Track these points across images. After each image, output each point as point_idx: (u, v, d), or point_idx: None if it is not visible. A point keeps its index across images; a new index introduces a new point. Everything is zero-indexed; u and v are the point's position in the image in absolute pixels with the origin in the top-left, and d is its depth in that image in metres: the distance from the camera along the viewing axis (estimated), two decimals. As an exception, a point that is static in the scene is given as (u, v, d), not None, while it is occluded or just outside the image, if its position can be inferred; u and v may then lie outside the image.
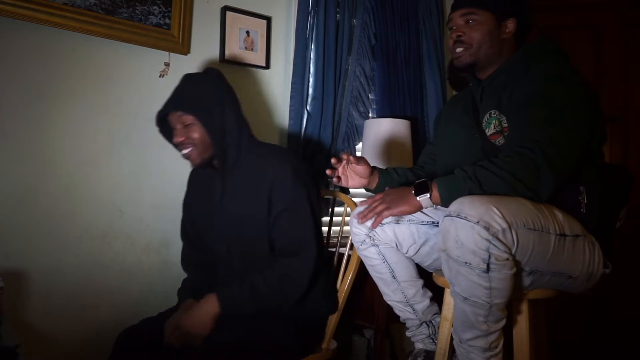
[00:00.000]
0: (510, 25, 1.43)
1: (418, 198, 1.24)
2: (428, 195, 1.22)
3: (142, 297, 1.89)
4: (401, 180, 1.55)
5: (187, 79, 1.55)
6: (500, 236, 1.09)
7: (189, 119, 1.46)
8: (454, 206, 1.13)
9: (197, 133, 1.47)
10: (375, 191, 1.53)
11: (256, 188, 1.48)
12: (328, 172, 1.45)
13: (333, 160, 1.45)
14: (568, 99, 1.23)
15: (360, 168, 1.49)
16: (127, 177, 1.87)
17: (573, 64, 1.34)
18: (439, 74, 2.57)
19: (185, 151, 1.49)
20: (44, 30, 1.69)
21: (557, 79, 1.26)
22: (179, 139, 1.48)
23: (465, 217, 1.09)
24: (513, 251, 1.12)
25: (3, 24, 1.63)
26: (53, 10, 1.66)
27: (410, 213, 1.28)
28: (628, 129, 2.61)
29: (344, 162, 1.48)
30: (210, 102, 1.48)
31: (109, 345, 1.53)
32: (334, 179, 1.46)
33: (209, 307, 1.39)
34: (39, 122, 1.70)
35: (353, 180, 1.50)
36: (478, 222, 1.08)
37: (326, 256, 1.65)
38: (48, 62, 1.72)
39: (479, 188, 1.16)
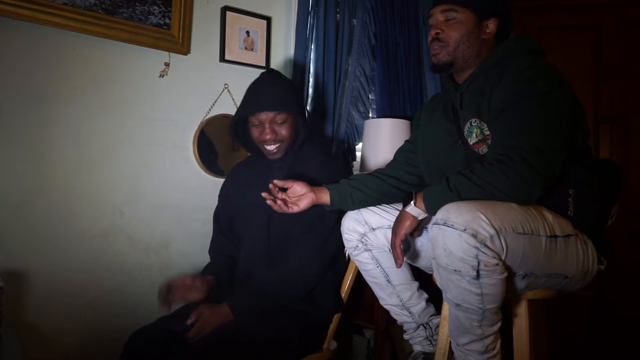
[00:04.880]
0: (491, 25, 1.40)
1: (406, 209, 1.25)
2: (412, 204, 1.23)
3: (142, 297, 1.89)
4: (360, 196, 1.51)
5: (270, 80, 1.65)
6: (489, 243, 1.08)
7: (282, 117, 1.59)
8: (441, 214, 1.12)
9: (286, 130, 1.61)
10: (334, 207, 1.51)
11: (303, 175, 1.58)
12: (269, 202, 1.46)
13: (267, 197, 1.46)
14: (544, 100, 1.21)
15: (298, 187, 1.48)
16: (127, 177, 1.87)
17: (568, 63, 1.32)
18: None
19: (271, 147, 1.61)
20: (44, 30, 1.70)
21: (531, 80, 1.24)
22: (268, 136, 1.59)
23: (452, 225, 1.08)
24: (503, 257, 1.11)
25: (3, 24, 1.63)
26: (53, 10, 1.67)
27: (412, 226, 1.26)
28: (628, 129, 2.61)
29: (276, 191, 1.47)
30: (300, 101, 1.65)
31: (109, 345, 1.53)
32: (285, 208, 1.47)
33: (225, 313, 1.44)
34: (39, 122, 1.70)
35: (301, 202, 1.48)
36: (465, 230, 1.07)
37: (344, 256, 1.69)
38: (48, 62, 1.72)
39: (457, 199, 1.15)
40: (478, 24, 1.39)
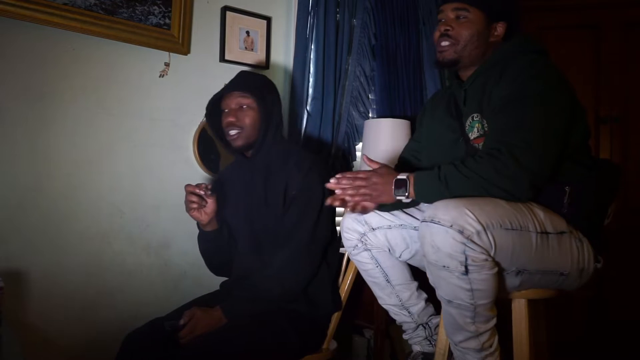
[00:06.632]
0: (500, 28, 1.41)
1: (397, 197, 1.24)
2: (406, 193, 1.23)
3: (142, 297, 1.89)
4: None
5: (245, 73, 1.72)
6: (475, 239, 1.09)
7: (246, 101, 1.59)
8: (429, 211, 1.14)
9: (248, 118, 1.59)
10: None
11: (278, 176, 1.58)
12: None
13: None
14: (541, 99, 1.22)
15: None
16: (127, 177, 1.87)
17: (568, 63, 1.33)
18: (439, 74, 2.56)
19: (232, 132, 1.59)
20: (44, 30, 1.69)
21: (530, 79, 1.25)
22: (230, 119, 1.59)
23: (439, 221, 1.10)
24: (492, 253, 1.12)
25: (3, 24, 1.63)
26: (53, 10, 1.67)
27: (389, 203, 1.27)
28: (628, 129, 2.61)
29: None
30: (266, 91, 1.62)
31: (109, 345, 1.53)
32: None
33: (217, 317, 1.44)
34: (39, 121, 1.70)
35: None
36: (451, 226, 1.08)
37: (338, 253, 1.68)
38: (48, 62, 1.72)
39: (445, 189, 1.17)
40: (487, 25, 1.40)
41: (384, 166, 1.31)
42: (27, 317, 1.66)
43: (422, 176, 1.22)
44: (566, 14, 2.72)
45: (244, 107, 1.59)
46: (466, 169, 1.17)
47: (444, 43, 1.40)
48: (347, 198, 1.25)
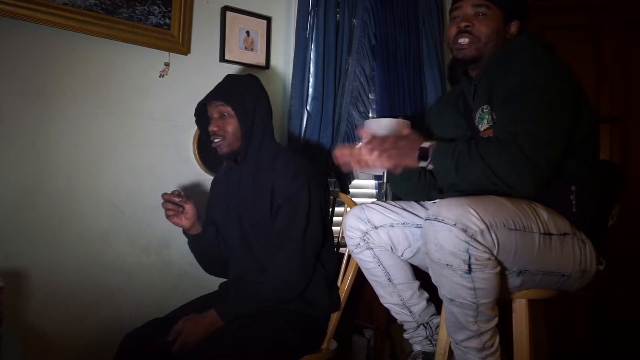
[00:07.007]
0: (514, 28, 1.43)
1: (420, 164, 1.22)
2: (427, 161, 1.21)
3: (142, 297, 1.89)
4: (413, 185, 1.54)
5: (229, 77, 1.69)
6: (479, 237, 1.09)
7: (226, 109, 1.60)
8: (433, 209, 1.14)
9: (230, 126, 1.60)
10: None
11: (265, 180, 1.58)
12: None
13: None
14: (545, 92, 1.22)
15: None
16: (127, 177, 1.87)
17: (563, 58, 1.33)
18: (439, 74, 2.57)
19: (216, 140, 1.62)
20: (44, 30, 1.69)
21: (534, 72, 1.25)
22: (213, 128, 1.61)
23: (443, 220, 1.10)
24: (494, 252, 1.12)
25: (3, 24, 1.63)
26: (53, 10, 1.66)
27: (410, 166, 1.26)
28: (628, 129, 2.61)
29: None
30: (245, 96, 1.61)
31: (109, 345, 1.53)
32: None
33: (211, 321, 1.43)
34: (38, 122, 1.70)
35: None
36: (455, 225, 1.09)
37: (334, 253, 1.69)
38: (48, 62, 1.72)
39: (454, 169, 1.17)
40: (504, 24, 1.41)
41: (415, 132, 1.28)
42: (27, 317, 1.66)
43: (441, 149, 1.21)
44: (566, 14, 2.72)
45: (225, 115, 1.60)
46: (476, 151, 1.16)
47: (463, 40, 1.39)
48: (370, 157, 1.23)
